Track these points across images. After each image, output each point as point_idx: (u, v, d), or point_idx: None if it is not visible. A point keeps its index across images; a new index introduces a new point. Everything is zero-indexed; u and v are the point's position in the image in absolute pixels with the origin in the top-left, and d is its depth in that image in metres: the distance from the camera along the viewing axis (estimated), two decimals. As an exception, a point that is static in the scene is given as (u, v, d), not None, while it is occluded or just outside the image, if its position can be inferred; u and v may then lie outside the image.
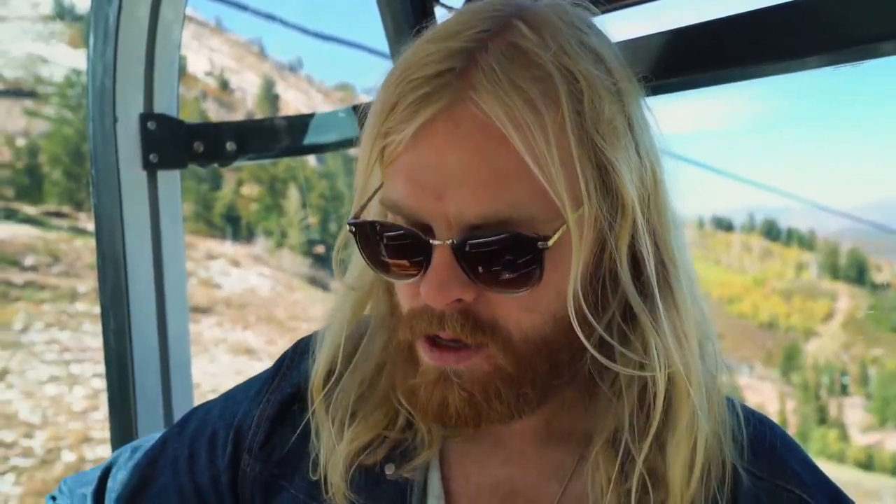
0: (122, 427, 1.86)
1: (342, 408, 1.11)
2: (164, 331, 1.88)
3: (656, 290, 0.99)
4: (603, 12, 1.28)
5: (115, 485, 1.32)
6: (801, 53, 1.19)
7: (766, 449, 1.08)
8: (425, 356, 0.98)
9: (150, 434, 1.40)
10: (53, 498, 1.41)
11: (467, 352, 0.96)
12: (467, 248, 0.91)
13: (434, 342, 0.98)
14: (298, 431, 1.18)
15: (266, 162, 1.90)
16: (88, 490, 1.34)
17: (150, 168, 1.87)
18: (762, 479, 1.06)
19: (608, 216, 0.95)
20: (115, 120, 1.81)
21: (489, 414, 0.97)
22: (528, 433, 1.11)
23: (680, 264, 1.03)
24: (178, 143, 1.88)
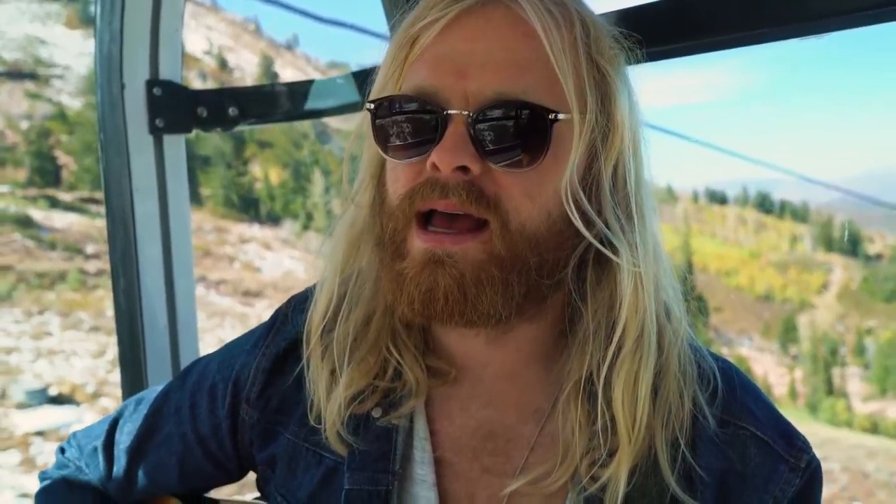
0: (133, 381, 1.94)
1: (336, 354, 1.18)
2: (171, 288, 1.95)
3: (633, 209, 1.08)
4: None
5: (122, 436, 1.41)
6: (779, 23, 1.27)
7: (729, 392, 1.16)
8: (417, 240, 1.04)
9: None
10: (62, 450, 1.49)
11: (462, 234, 1.03)
12: (481, 120, 1.01)
13: (426, 227, 1.04)
14: (292, 382, 1.25)
15: (267, 125, 1.95)
16: (99, 442, 1.43)
17: (157, 132, 1.94)
18: (723, 421, 1.14)
19: (602, 130, 1.06)
20: (122, 86, 1.88)
21: (477, 302, 1.03)
22: (506, 378, 1.18)
23: (649, 215, 1.11)
24: (182, 108, 1.95)
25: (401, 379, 1.18)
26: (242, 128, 1.97)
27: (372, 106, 1.09)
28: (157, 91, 1.92)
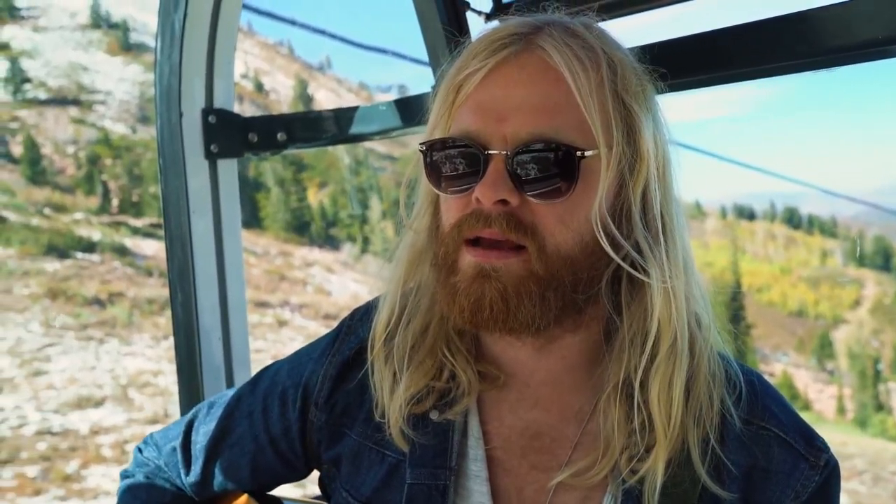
0: (190, 388, 2.05)
1: (397, 358, 1.28)
2: (224, 302, 2.07)
3: (660, 229, 1.18)
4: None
5: (198, 437, 1.52)
6: (792, 58, 1.38)
7: (753, 396, 1.25)
8: (468, 256, 1.16)
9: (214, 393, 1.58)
10: (140, 450, 1.61)
11: (506, 251, 1.14)
12: (518, 159, 1.12)
13: (475, 245, 1.15)
14: (356, 387, 1.36)
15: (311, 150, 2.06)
16: (177, 443, 1.54)
17: (211, 157, 2.07)
18: (747, 421, 1.23)
19: (629, 160, 1.16)
20: (180, 115, 2.01)
21: (517, 312, 1.14)
22: (551, 383, 1.27)
23: (679, 235, 1.21)
24: (235, 134, 2.08)
25: (455, 380, 1.28)
26: (290, 151, 2.09)
27: (424, 147, 1.20)
28: (211, 119, 2.05)
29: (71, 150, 57.20)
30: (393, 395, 1.28)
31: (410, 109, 1.87)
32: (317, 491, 1.57)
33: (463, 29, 1.84)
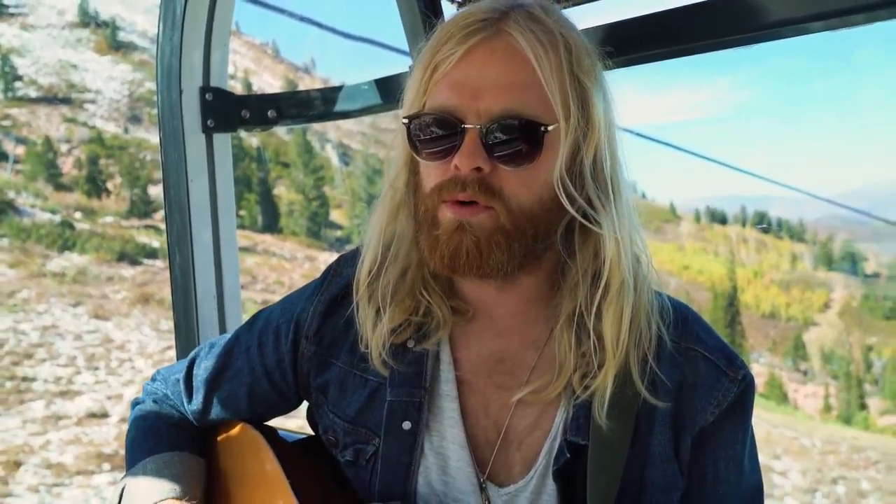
0: (187, 343, 2.21)
1: (380, 297, 1.46)
2: (219, 264, 2.23)
3: (609, 187, 1.36)
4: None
5: (199, 371, 1.69)
6: (731, 34, 1.55)
7: (683, 323, 1.44)
8: (447, 213, 1.33)
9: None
10: (153, 380, 1.77)
11: (478, 209, 1.31)
12: (491, 132, 1.29)
13: (453, 203, 1.32)
14: (343, 322, 1.53)
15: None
16: (180, 376, 1.71)
17: (208, 131, 2.23)
18: (678, 344, 1.42)
19: (583, 129, 1.34)
20: (180, 92, 2.17)
21: (489, 259, 1.32)
22: (512, 315, 1.46)
23: (623, 189, 1.40)
24: (229, 110, 2.24)
25: (430, 315, 1.46)
26: (279, 127, 2.26)
27: (407, 120, 1.37)
28: (208, 96, 2.21)
29: (64, 148, 56.68)
30: (375, 329, 1.45)
31: (390, 88, 2.03)
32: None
33: (438, 13, 2.00)
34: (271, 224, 58.25)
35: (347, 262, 1.57)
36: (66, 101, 62.70)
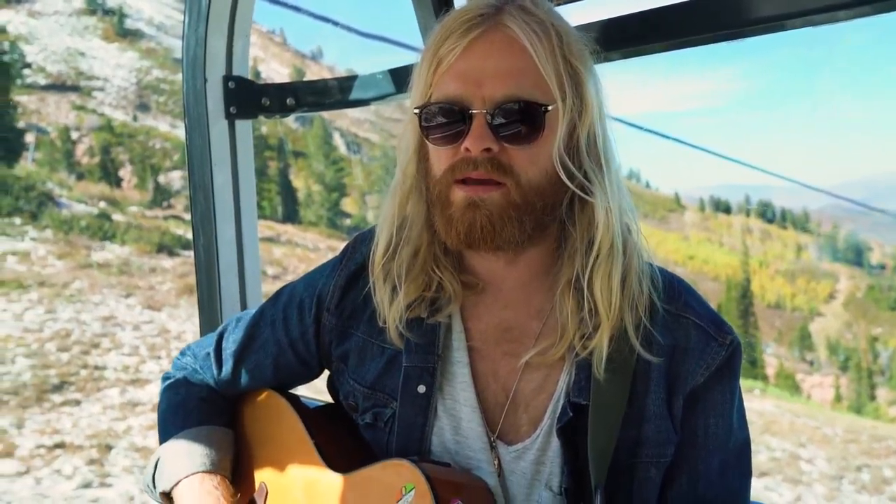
0: (210, 318, 2.33)
1: (395, 276, 1.58)
2: (240, 244, 2.35)
3: (601, 159, 1.49)
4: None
5: (228, 344, 1.81)
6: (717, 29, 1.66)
7: (674, 291, 1.57)
8: (459, 192, 1.45)
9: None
10: (178, 358, 1.89)
11: (489, 186, 1.44)
12: (496, 116, 1.42)
13: (464, 184, 1.44)
14: (361, 295, 1.66)
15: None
16: (210, 349, 1.83)
17: (231, 118, 2.36)
18: (670, 311, 1.54)
19: (578, 108, 1.47)
20: (205, 81, 2.29)
21: (502, 232, 1.44)
22: (519, 287, 1.58)
23: (613, 163, 1.52)
24: (251, 98, 2.36)
25: (442, 290, 1.58)
26: (297, 114, 2.37)
27: (418, 110, 1.49)
28: (231, 84, 2.33)
29: (75, 136, 56.68)
30: (392, 306, 1.57)
31: (403, 78, 2.13)
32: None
33: (450, 4, 2.12)
34: (292, 214, 58.43)
35: (364, 240, 1.69)
36: (74, 88, 62.67)
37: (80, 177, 52.99)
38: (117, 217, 43.20)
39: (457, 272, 1.59)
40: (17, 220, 37.81)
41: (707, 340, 1.52)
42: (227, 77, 2.33)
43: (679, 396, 1.51)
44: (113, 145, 57.37)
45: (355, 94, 2.29)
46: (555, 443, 1.52)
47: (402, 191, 1.58)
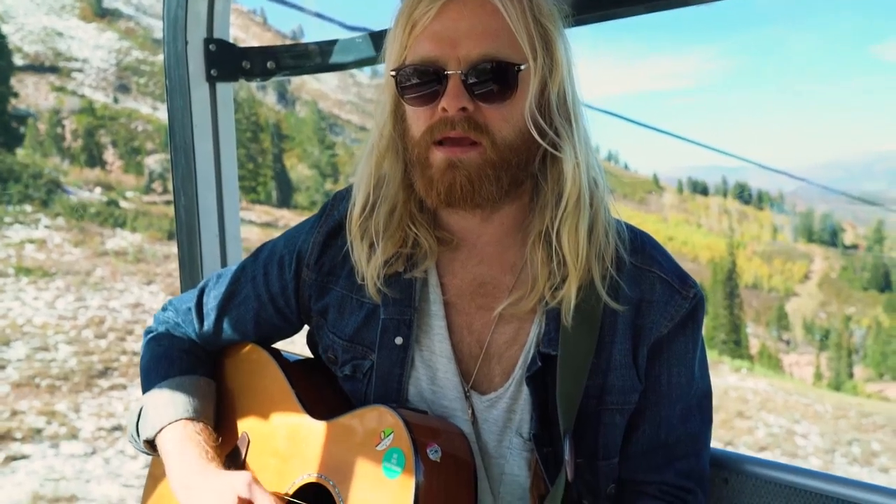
0: (192, 276, 2.35)
1: (373, 233, 1.61)
2: (221, 204, 2.37)
3: (571, 116, 1.53)
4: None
5: (209, 299, 1.84)
6: None
7: (639, 243, 1.62)
8: (438, 153, 1.48)
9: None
10: (164, 309, 1.91)
11: (466, 147, 1.47)
12: (471, 76, 1.45)
13: (442, 145, 1.48)
14: (340, 253, 1.69)
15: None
16: (192, 304, 1.86)
17: (211, 80, 2.37)
18: (636, 265, 1.59)
19: (548, 67, 1.50)
20: (186, 43, 2.30)
21: (481, 190, 1.48)
22: (493, 242, 1.62)
23: (581, 119, 1.56)
24: (231, 61, 2.37)
25: (418, 246, 1.62)
26: (278, 78, 2.39)
27: (395, 72, 1.51)
28: (212, 47, 2.33)
29: (55, 119, 55.84)
30: (370, 262, 1.61)
31: (382, 42, 2.14)
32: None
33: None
34: (286, 199, 58.19)
35: (343, 198, 1.72)
36: (53, 69, 61.84)
37: (72, 161, 52.37)
38: (124, 204, 42.96)
39: (432, 228, 1.63)
40: (28, 208, 37.69)
41: (671, 293, 1.57)
42: (209, 40, 2.33)
43: (644, 347, 1.56)
44: (96, 128, 56.62)
45: (336, 58, 2.31)
46: (525, 392, 1.57)
47: (378, 150, 1.60)
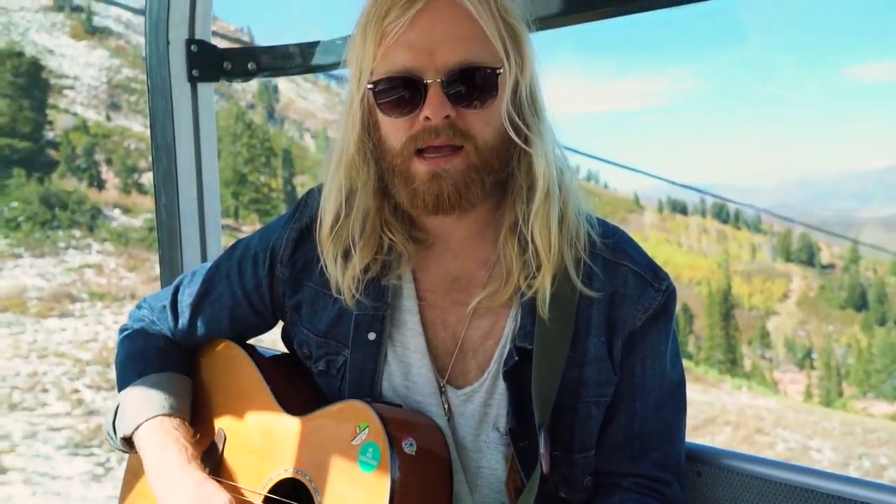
0: (172, 273, 2.32)
1: (348, 243, 1.58)
2: (201, 203, 2.35)
3: (539, 111, 1.53)
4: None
5: (184, 297, 1.82)
6: None
7: (613, 239, 1.60)
8: (420, 165, 1.46)
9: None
10: (140, 307, 1.88)
11: (450, 157, 1.46)
12: (450, 83, 1.44)
13: (424, 156, 1.46)
14: (314, 249, 1.66)
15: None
16: (166, 302, 1.84)
17: (193, 81, 2.35)
18: (610, 259, 1.58)
19: (520, 67, 1.49)
20: (167, 43, 2.29)
21: (468, 196, 1.47)
22: (467, 240, 1.61)
23: (546, 112, 1.55)
24: (213, 62, 2.35)
25: (394, 251, 1.60)
26: (258, 79, 2.37)
27: (372, 85, 1.48)
28: (194, 48, 2.32)
29: (49, 136, 55.55)
30: (345, 273, 1.58)
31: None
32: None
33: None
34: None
35: (316, 195, 1.70)
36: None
37: (78, 181, 52.11)
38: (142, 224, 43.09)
39: (407, 229, 1.61)
40: (77, 233, 37.68)
41: (644, 286, 1.56)
42: (190, 40, 2.32)
43: (618, 339, 1.55)
44: (91, 147, 56.36)
45: (317, 60, 2.29)
46: (501, 386, 1.55)
47: (346, 160, 1.57)
